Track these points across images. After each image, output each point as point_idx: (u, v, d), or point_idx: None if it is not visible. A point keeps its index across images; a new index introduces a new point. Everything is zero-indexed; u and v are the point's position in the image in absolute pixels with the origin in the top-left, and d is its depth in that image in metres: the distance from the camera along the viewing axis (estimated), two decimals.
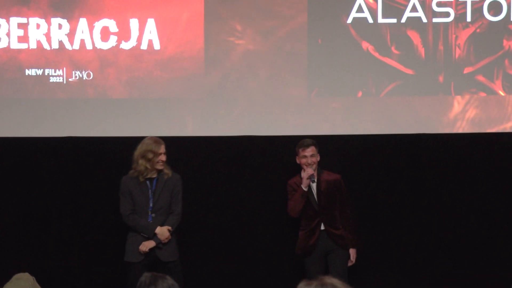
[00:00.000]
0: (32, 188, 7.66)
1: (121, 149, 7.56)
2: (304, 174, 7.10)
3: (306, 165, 7.14)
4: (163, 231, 6.86)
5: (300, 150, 7.19)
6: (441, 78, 7.78)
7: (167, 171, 6.95)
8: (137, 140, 7.31)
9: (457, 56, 7.78)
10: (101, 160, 7.67)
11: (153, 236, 6.86)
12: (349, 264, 7.18)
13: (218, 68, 7.76)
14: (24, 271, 4.05)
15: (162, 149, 6.89)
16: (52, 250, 7.65)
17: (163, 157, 6.89)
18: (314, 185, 7.20)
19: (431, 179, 7.74)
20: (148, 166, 6.86)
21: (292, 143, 7.50)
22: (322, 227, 7.17)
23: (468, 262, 7.68)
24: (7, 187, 7.66)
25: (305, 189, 7.11)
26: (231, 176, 7.72)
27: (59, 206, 7.66)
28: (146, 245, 6.84)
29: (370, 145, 7.71)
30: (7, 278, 3.99)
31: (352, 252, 7.21)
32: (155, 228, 6.86)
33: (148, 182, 6.93)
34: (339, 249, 7.16)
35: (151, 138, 6.99)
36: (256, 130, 7.73)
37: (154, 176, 6.94)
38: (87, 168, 7.68)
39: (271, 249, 7.69)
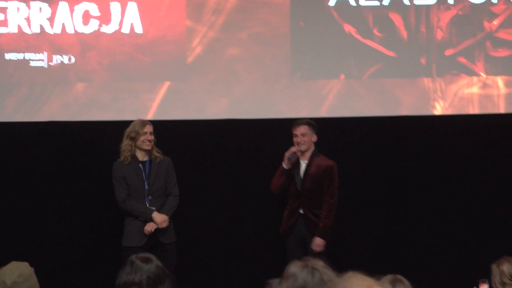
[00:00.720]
0: (13, 174, 7.61)
1: (103, 133, 7.54)
2: (287, 152, 7.03)
3: (296, 144, 7.06)
4: (160, 217, 6.89)
5: (293, 128, 7.12)
6: (423, 60, 7.80)
7: (158, 154, 6.99)
8: (120, 124, 7.29)
9: (439, 38, 7.80)
10: (83, 144, 7.64)
11: (150, 220, 6.89)
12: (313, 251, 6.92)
13: (201, 52, 7.73)
14: (17, 258, 4.03)
15: (147, 128, 6.92)
16: (49, 239, 7.60)
17: (148, 137, 6.92)
18: (303, 167, 7.12)
19: (413, 161, 7.77)
20: (132, 145, 6.90)
21: (276, 126, 7.49)
22: (302, 211, 7.11)
23: (457, 243, 7.71)
24: None
25: (285, 167, 7.04)
26: (215, 160, 7.71)
27: (43, 192, 7.61)
28: (152, 225, 6.86)
29: (352, 127, 7.73)
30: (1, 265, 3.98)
31: (318, 241, 6.98)
32: (152, 212, 6.88)
33: (140, 165, 6.95)
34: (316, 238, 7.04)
35: (138, 119, 7.06)
36: (239, 113, 7.72)
37: (146, 159, 6.97)
38: (69, 153, 7.65)
39: (259, 230, 7.66)
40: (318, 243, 7.00)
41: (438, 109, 7.79)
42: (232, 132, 7.71)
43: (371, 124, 7.74)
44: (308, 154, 7.14)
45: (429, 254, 7.71)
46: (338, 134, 7.73)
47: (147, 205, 6.94)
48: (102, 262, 7.50)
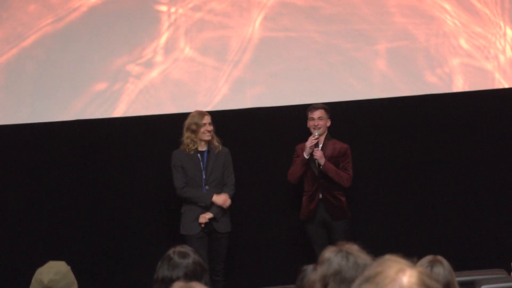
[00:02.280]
0: (59, 170, 7.61)
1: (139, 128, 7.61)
2: (308, 142, 7.12)
3: (313, 128, 7.16)
4: (221, 198, 7.07)
5: (309, 112, 7.22)
6: None
7: (217, 144, 7.13)
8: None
9: None
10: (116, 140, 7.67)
11: (210, 205, 7.04)
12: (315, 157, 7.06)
13: None
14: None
15: (206, 119, 7.06)
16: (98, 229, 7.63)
17: (208, 127, 7.05)
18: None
19: (433, 139, 7.75)
20: (194, 137, 7.04)
21: (293, 113, 7.48)
22: (321, 196, 7.20)
23: (491, 221, 7.68)
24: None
25: (306, 157, 7.13)
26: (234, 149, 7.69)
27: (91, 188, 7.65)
28: (206, 217, 7.03)
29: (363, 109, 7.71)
30: (37, 262, 4.03)
31: (319, 153, 7.06)
32: (211, 196, 7.05)
33: (199, 155, 7.10)
34: (336, 223, 7.15)
35: (196, 111, 7.18)
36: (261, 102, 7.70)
37: (204, 149, 7.11)
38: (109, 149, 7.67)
39: (280, 217, 7.65)
40: (316, 151, 7.09)
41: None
42: (252, 121, 7.71)
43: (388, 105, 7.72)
44: (322, 138, 7.23)
45: (464, 233, 7.66)
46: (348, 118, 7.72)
47: None
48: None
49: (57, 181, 7.59)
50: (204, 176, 7.09)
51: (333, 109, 7.35)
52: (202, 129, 7.03)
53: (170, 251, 3.63)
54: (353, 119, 7.73)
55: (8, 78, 7.54)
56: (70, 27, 7.57)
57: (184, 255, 3.60)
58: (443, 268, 3.44)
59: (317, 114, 7.18)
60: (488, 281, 4.54)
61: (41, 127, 7.57)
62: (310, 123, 7.19)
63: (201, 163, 7.09)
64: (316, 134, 7.14)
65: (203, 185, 7.09)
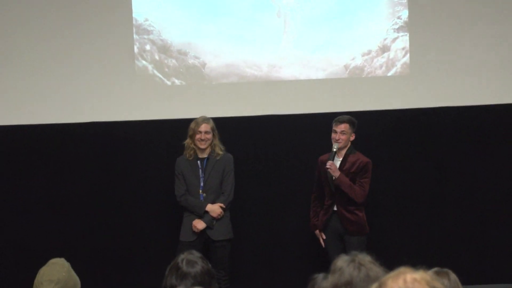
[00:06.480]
0: (70, 170, 7.70)
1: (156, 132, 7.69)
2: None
3: (334, 141, 7.00)
4: (214, 208, 7.04)
5: (333, 124, 7.06)
6: None
7: (219, 151, 7.09)
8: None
9: None
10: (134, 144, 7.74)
11: (203, 213, 7.03)
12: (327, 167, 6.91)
13: None
14: (64, 255, 4.01)
15: (203, 128, 7.05)
16: (105, 232, 7.70)
17: (202, 136, 7.04)
18: (337, 164, 7.04)
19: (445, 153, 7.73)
20: (191, 143, 7.06)
21: (318, 121, 7.51)
22: (335, 208, 7.07)
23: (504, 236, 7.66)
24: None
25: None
26: (256, 156, 7.73)
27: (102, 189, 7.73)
28: (197, 227, 7.02)
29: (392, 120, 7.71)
30: (44, 262, 3.95)
31: (331, 164, 6.91)
32: (206, 206, 7.03)
33: (199, 162, 7.09)
34: (350, 236, 7.02)
35: (201, 116, 7.14)
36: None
37: (205, 156, 7.09)
38: (121, 152, 7.75)
39: (300, 226, 7.61)
40: (330, 165, 6.94)
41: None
42: (278, 128, 7.72)
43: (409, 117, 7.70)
44: (343, 152, 7.08)
45: (477, 247, 7.65)
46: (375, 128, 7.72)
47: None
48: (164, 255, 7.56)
49: (66, 182, 7.69)
50: (201, 184, 7.08)
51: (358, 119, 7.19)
52: (197, 136, 7.04)
53: (179, 259, 3.54)
54: (373, 131, 7.67)
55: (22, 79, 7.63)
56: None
57: (192, 264, 3.53)
58: (448, 280, 3.43)
59: (340, 127, 7.00)
60: None
61: (51, 128, 7.67)
62: (333, 136, 7.04)
63: (200, 170, 7.08)
64: (335, 148, 6.97)
65: (200, 192, 7.08)
